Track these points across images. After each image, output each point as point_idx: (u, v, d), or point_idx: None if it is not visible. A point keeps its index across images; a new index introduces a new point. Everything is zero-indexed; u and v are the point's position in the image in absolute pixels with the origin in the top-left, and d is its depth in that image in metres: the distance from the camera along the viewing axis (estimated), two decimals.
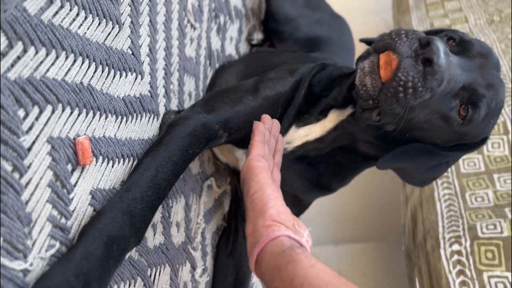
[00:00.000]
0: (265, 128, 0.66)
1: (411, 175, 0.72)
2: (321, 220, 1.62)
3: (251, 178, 0.55)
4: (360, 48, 0.73)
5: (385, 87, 0.57)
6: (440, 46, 0.54)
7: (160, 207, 0.65)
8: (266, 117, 0.68)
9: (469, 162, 1.16)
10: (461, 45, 0.65)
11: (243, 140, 0.71)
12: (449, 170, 1.17)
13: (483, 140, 0.69)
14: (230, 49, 1.03)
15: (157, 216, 0.65)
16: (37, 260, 0.43)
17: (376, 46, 0.60)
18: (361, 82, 0.60)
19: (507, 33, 1.45)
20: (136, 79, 0.64)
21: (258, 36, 1.13)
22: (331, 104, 0.73)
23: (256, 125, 0.65)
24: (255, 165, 0.57)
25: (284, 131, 0.74)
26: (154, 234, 0.64)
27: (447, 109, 0.61)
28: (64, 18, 0.50)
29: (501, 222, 0.96)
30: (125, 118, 0.61)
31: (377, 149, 0.71)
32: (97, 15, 0.56)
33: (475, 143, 0.68)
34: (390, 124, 0.63)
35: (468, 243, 0.96)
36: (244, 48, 1.11)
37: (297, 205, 0.81)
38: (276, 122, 0.70)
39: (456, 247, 0.98)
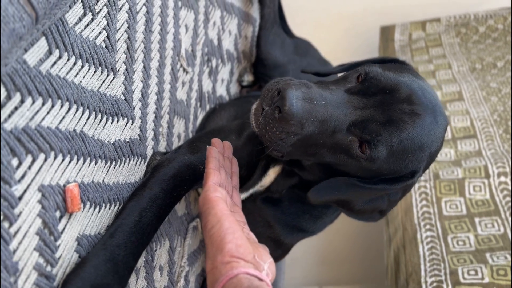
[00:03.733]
0: (219, 153, 0.66)
1: (352, 209, 0.69)
2: (307, 261, 1.62)
3: (208, 211, 0.55)
4: None
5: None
6: (291, 93, 0.56)
7: (144, 251, 0.65)
8: (216, 141, 0.69)
9: (451, 205, 1.19)
10: (364, 82, 0.63)
11: None
12: (431, 211, 1.20)
13: (412, 174, 0.65)
14: (221, 91, 1.06)
15: (140, 260, 0.65)
16: None
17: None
18: (251, 121, 0.64)
19: (488, 81, 1.52)
20: (127, 124, 0.66)
21: (248, 78, 1.17)
22: None
23: (209, 151, 0.65)
24: (211, 196, 0.56)
25: (261, 173, 0.75)
26: (137, 279, 0.64)
27: (345, 144, 0.61)
28: (62, 68, 0.52)
29: (482, 267, 0.98)
30: (114, 163, 0.62)
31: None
32: (93, 64, 0.58)
33: (402, 177, 0.65)
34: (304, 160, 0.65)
35: None
36: (234, 89, 1.14)
37: (276, 247, 0.81)
38: (227, 144, 0.71)
39: None
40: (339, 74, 0.74)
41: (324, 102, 0.59)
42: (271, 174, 0.75)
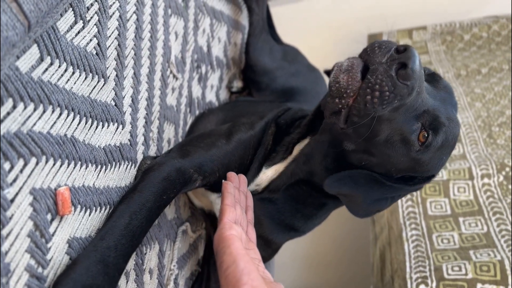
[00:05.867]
0: (234, 187, 0.66)
1: (357, 205, 0.72)
2: (295, 265, 1.64)
3: (223, 251, 0.55)
4: None
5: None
6: (417, 53, 0.56)
7: (134, 254, 0.66)
8: (232, 175, 0.70)
9: (436, 205, 1.22)
10: (431, 76, 0.69)
11: (217, 184, 0.74)
12: (416, 211, 1.23)
13: (429, 178, 0.70)
14: (211, 96, 1.07)
15: (130, 263, 0.66)
16: None
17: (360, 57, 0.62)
18: (335, 79, 0.60)
19: (473, 87, 1.56)
20: (117, 129, 0.67)
21: (237, 84, 1.19)
22: (294, 141, 0.77)
23: (225, 187, 0.65)
24: (227, 234, 0.56)
25: (255, 173, 0.77)
26: (127, 282, 0.65)
27: (409, 131, 0.62)
28: (53, 74, 0.53)
29: (466, 264, 1.01)
30: (104, 167, 0.63)
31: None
32: (84, 70, 0.59)
33: (422, 178, 0.70)
34: (350, 142, 0.65)
35: (434, 284, 1.00)
36: (224, 95, 1.16)
37: (266, 247, 0.82)
38: (242, 178, 0.72)
39: (422, 287, 1.01)
40: None
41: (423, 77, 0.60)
42: (269, 172, 0.77)
